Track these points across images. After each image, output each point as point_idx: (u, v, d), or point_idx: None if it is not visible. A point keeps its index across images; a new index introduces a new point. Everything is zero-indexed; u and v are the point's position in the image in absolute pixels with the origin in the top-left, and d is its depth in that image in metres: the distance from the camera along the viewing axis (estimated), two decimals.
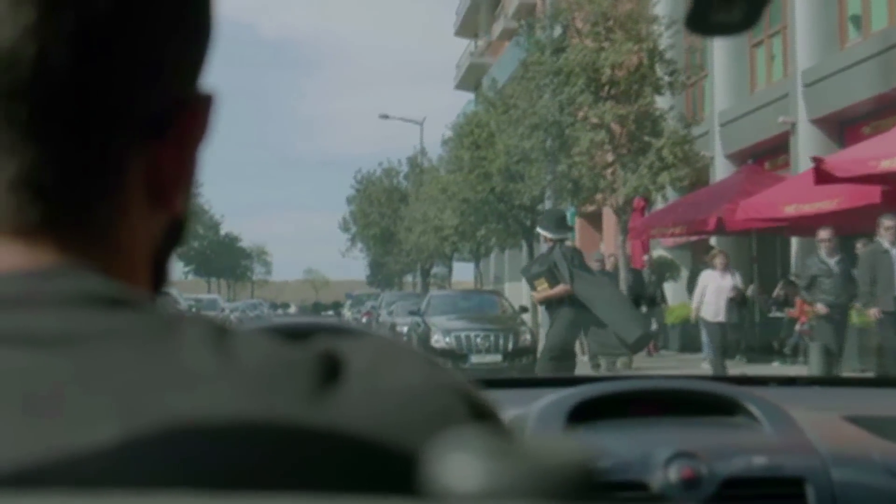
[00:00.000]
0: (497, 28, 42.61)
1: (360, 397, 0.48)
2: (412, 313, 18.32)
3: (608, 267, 16.13)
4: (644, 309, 16.95)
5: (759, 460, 1.67)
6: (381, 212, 49.48)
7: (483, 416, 0.51)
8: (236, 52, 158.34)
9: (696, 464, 1.63)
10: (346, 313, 42.24)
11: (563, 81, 16.59)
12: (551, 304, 9.90)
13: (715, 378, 2.46)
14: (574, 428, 1.76)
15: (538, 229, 10.77)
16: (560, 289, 9.64)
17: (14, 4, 0.49)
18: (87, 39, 0.51)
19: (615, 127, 16.37)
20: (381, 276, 56.99)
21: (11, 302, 0.48)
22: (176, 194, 0.57)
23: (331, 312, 65.53)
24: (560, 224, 10.09)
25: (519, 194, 21.31)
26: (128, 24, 0.52)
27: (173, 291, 24.48)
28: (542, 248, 11.36)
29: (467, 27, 49.28)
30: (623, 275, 15.39)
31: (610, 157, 16.71)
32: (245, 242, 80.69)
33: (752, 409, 1.82)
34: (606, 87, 16.33)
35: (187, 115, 0.57)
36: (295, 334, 0.53)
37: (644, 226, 18.46)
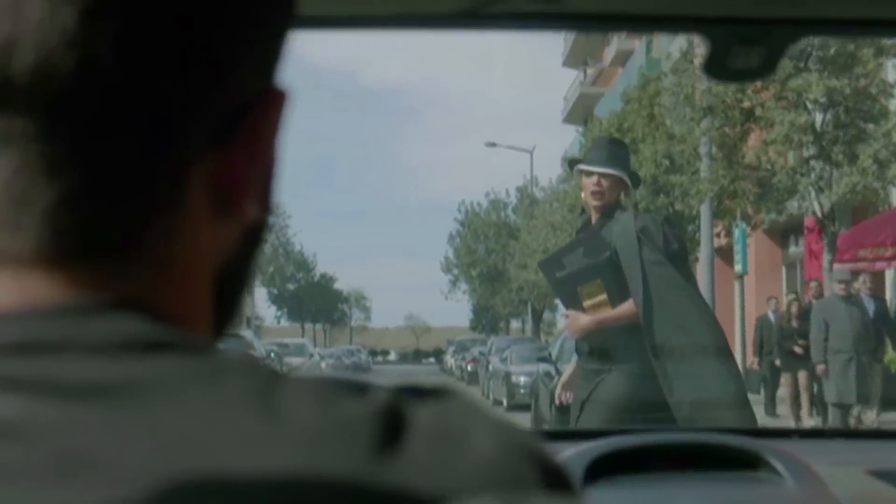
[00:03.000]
0: (609, 53, 39.12)
1: (424, 461, 0.44)
2: (541, 360, 14.11)
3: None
4: None
5: None
6: (487, 247, 45.90)
7: (554, 482, 0.47)
8: (338, 101, 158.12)
9: None
10: (449, 360, 39.12)
11: None
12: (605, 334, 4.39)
13: (736, 431, 2.15)
14: (592, 483, 1.72)
15: (579, 167, 4.30)
16: (626, 308, 4.29)
17: (52, 7, 0.43)
18: (137, 44, 0.45)
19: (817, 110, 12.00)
20: (486, 320, 53.31)
21: (43, 346, 0.44)
22: (246, 200, 0.51)
23: (432, 360, 62.44)
24: (620, 155, 4.35)
25: (670, 209, 17.00)
26: (184, 23, 0.46)
27: (249, 335, 21.05)
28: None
29: (576, 56, 45.79)
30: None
31: (809, 150, 12.30)
32: (343, 286, 77.76)
33: (775, 463, 1.79)
34: (808, 52, 11.92)
35: (257, 114, 0.51)
36: (355, 387, 0.47)
37: (849, 244, 14.11)
